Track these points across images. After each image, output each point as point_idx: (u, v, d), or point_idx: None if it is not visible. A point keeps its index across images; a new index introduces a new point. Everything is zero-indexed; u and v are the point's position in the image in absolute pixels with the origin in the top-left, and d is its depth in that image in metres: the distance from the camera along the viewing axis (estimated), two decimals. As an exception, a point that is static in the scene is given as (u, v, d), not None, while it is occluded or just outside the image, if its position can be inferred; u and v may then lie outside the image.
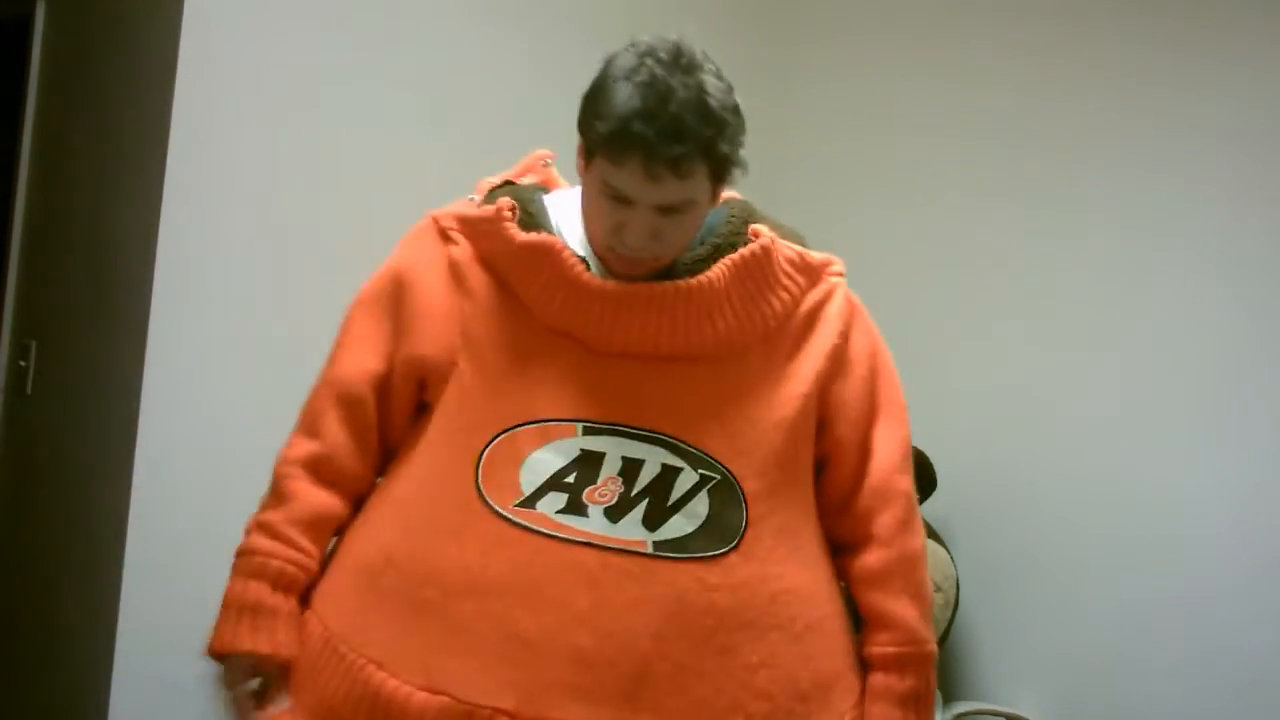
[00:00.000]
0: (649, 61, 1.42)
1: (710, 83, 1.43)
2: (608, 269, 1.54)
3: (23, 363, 3.11)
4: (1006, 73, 3.06)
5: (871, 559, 1.61)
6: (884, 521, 1.62)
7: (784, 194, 3.47)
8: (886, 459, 1.63)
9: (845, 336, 1.61)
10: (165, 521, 2.49)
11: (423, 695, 1.41)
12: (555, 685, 1.38)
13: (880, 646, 1.60)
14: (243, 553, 1.56)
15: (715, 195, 1.52)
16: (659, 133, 1.40)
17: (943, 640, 2.78)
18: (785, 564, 1.51)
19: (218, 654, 1.52)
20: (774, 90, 3.52)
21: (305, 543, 1.55)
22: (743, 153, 1.48)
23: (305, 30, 2.72)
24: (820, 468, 1.63)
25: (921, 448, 2.93)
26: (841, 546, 1.64)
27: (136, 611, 2.50)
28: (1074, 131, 2.91)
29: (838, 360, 1.60)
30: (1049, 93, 2.97)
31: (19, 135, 3.26)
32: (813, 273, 1.62)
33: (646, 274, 1.53)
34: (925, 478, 2.92)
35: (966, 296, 3.08)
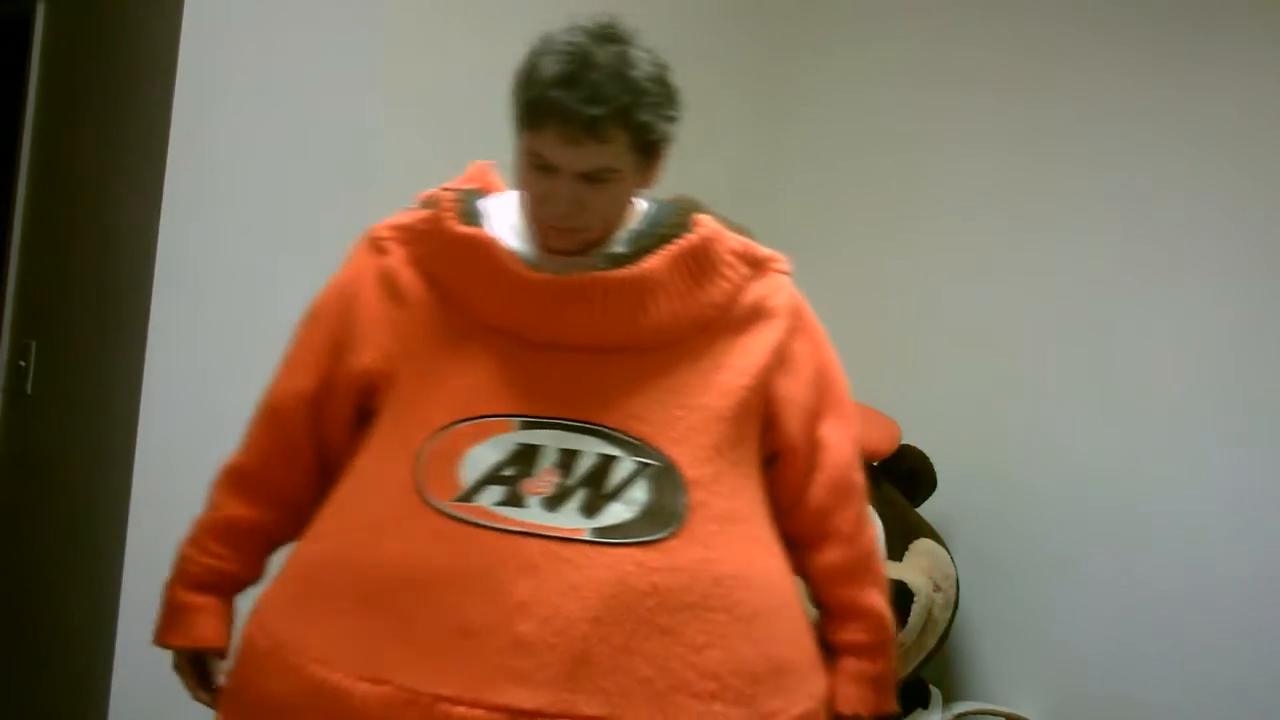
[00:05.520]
0: (575, 35, 1.47)
1: (635, 54, 1.47)
2: (544, 251, 1.55)
3: (23, 363, 3.11)
4: (1005, 78, 3.05)
5: (835, 556, 1.65)
6: (845, 518, 1.66)
7: (787, 196, 3.48)
8: (840, 456, 1.66)
9: (791, 334, 1.63)
10: (165, 522, 2.48)
11: (365, 685, 1.41)
12: (496, 671, 1.38)
13: (853, 634, 1.65)
14: (177, 555, 1.71)
15: (644, 170, 1.53)
16: (576, 97, 1.43)
17: (943, 640, 2.78)
18: (729, 550, 1.51)
19: (159, 645, 1.71)
20: (777, 98, 3.52)
21: (218, 548, 1.68)
22: (672, 127, 1.51)
23: (305, 31, 2.72)
24: (770, 464, 1.64)
25: (921, 448, 2.94)
26: (796, 542, 1.65)
27: (136, 611, 2.50)
28: (1073, 135, 2.91)
29: (782, 356, 1.62)
30: (1048, 97, 2.96)
31: (19, 135, 3.26)
32: (758, 265, 1.63)
33: (579, 249, 1.54)
34: (925, 478, 2.93)
35: (966, 297, 3.08)
